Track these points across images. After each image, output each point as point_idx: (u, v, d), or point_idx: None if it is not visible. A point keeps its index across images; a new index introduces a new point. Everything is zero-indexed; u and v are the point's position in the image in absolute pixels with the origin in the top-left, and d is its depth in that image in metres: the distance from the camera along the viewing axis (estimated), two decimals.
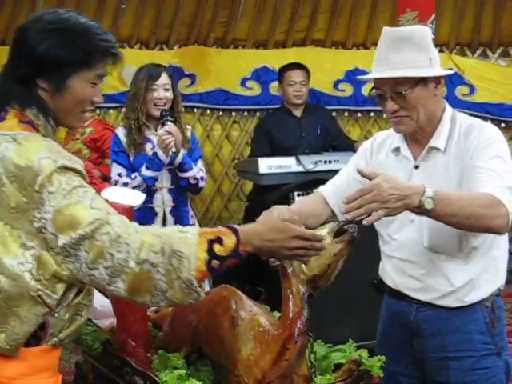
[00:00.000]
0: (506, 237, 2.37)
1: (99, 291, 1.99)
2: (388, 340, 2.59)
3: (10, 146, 1.79)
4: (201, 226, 5.99)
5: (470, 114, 2.59)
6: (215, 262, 1.77)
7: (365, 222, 1.99)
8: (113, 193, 2.99)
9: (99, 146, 5.17)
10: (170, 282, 1.74)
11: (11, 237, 1.77)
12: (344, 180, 2.62)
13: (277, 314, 2.44)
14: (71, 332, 1.87)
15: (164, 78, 4.09)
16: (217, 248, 1.77)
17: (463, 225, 2.17)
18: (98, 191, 2.93)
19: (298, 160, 4.70)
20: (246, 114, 6.34)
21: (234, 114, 6.32)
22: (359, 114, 6.45)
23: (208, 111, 6.28)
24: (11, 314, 1.77)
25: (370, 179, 2.07)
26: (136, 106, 4.03)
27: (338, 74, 6.36)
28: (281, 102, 5.53)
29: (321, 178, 4.65)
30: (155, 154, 3.91)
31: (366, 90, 6.33)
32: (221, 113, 6.30)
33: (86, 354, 2.44)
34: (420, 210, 2.08)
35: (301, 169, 4.68)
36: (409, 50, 2.30)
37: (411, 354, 2.48)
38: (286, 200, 4.55)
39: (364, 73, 6.27)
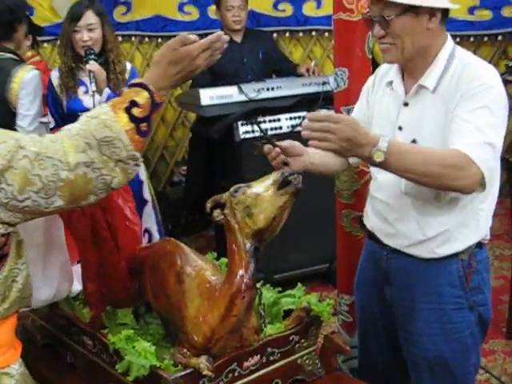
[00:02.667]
0: (496, 189, 2.27)
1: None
2: (365, 280, 2.59)
3: None
4: (147, 158, 5.94)
5: None
6: (143, 125, 1.73)
7: (304, 135, 1.94)
8: None
9: None
10: (111, 171, 1.68)
11: None
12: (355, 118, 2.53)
13: (225, 260, 2.42)
14: (14, 301, 1.76)
15: (88, 18, 3.83)
16: (136, 111, 1.72)
17: (421, 182, 2.08)
18: None
19: (240, 89, 4.58)
20: None
21: None
22: (301, 34, 6.24)
23: (146, 39, 6.07)
24: None
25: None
26: (63, 51, 3.90)
27: None
28: (220, 28, 5.38)
29: (264, 106, 4.62)
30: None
31: (306, 9, 6.18)
32: (160, 40, 6.06)
33: (34, 313, 2.39)
34: (370, 161, 2.00)
35: (243, 98, 4.57)
36: None
37: (384, 297, 2.46)
38: (230, 130, 4.50)
39: None
